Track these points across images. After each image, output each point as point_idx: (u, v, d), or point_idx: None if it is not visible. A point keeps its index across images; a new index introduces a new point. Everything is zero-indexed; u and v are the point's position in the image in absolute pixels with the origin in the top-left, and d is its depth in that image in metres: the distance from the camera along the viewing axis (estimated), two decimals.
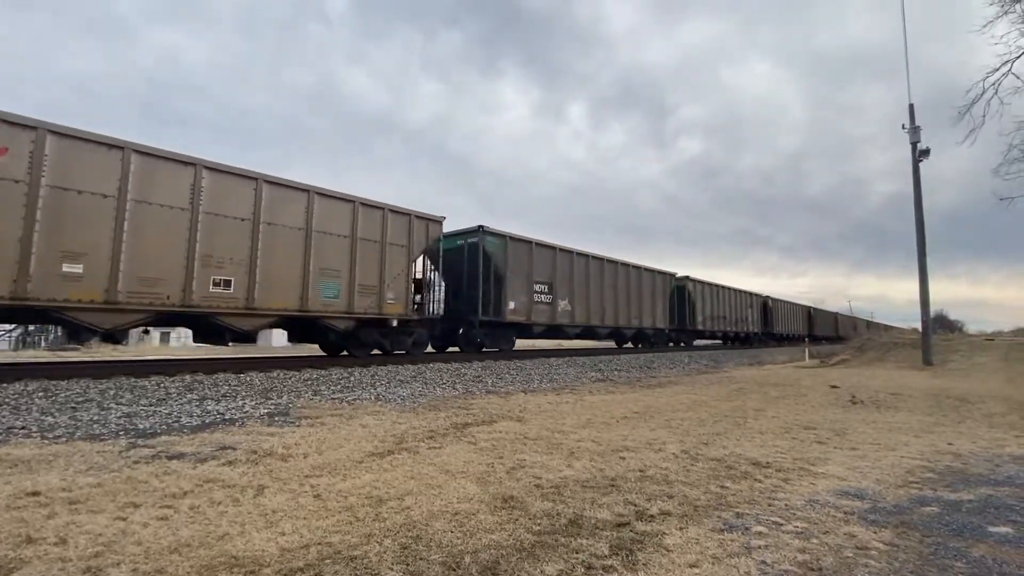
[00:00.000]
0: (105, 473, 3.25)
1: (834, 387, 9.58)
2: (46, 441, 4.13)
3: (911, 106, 16.18)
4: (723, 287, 25.61)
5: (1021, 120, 13.56)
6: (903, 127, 16.26)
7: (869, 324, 60.78)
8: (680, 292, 22.86)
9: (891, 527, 2.65)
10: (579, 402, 7.15)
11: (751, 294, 28.81)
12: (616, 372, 12.46)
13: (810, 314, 39.42)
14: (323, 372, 8.84)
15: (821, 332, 40.95)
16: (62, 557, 2.08)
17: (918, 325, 17.80)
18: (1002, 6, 13.13)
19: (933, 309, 17.60)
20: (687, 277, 22.92)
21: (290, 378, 8.08)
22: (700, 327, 23.80)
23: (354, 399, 6.87)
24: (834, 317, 46.75)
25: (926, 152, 15.99)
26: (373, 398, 7.03)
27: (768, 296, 31.63)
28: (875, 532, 2.57)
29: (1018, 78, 13.51)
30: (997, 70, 13.75)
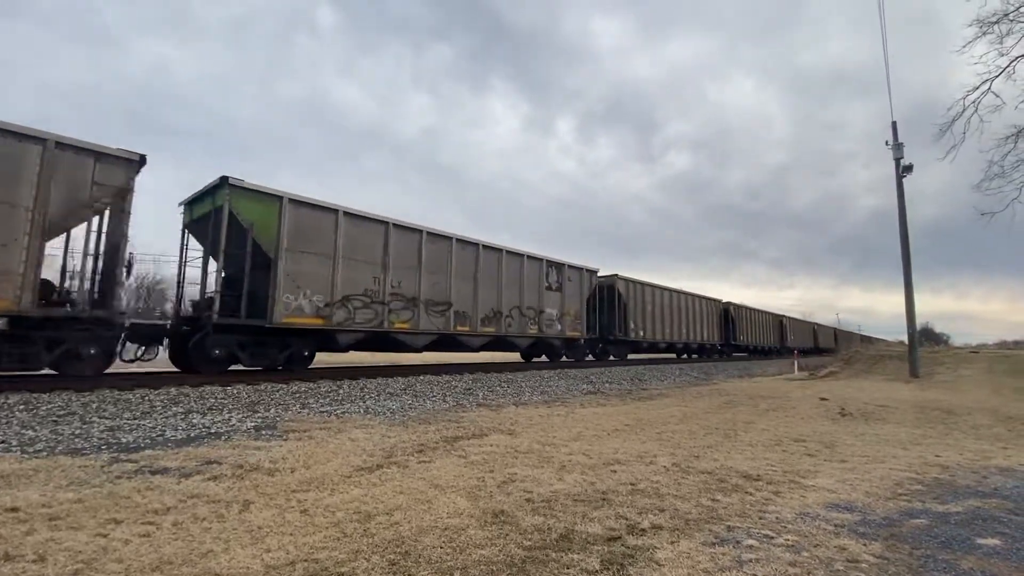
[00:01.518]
0: (86, 488, 3.17)
1: (823, 399, 9.64)
2: (26, 456, 4.03)
3: (894, 123, 16.55)
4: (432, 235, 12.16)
5: (1001, 137, 13.92)
6: (887, 143, 16.62)
7: (838, 335, 53.79)
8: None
9: (881, 540, 2.66)
10: (570, 415, 7.12)
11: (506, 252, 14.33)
12: (607, 385, 12.45)
13: (728, 313, 29.16)
14: (312, 385, 8.75)
15: (747, 340, 30.82)
16: (41, 575, 2.02)
17: (904, 338, 18.04)
18: (980, 27, 13.53)
19: (919, 322, 17.82)
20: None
21: (278, 391, 7.98)
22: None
23: (343, 412, 6.80)
24: (779, 321, 38.21)
25: (909, 168, 16.33)
26: (362, 411, 6.96)
27: (548, 258, 15.95)
28: (865, 545, 2.58)
29: (997, 96, 13.89)
30: (977, 88, 14.12)
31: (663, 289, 22.49)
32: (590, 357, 18.82)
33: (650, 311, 21.14)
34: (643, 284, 20.91)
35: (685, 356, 25.91)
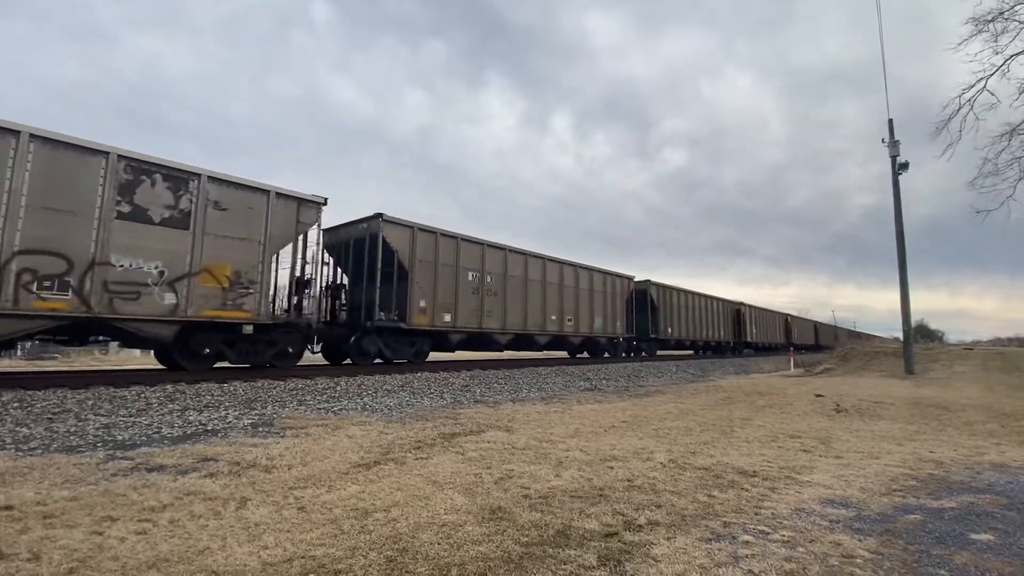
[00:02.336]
0: (82, 486, 3.16)
1: (819, 396, 9.68)
2: (20, 453, 4.01)
3: (890, 121, 16.61)
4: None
5: (995, 135, 13.98)
6: (883, 141, 16.69)
7: (820, 329, 46.88)
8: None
9: (876, 535, 2.68)
10: (567, 411, 7.14)
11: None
12: (604, 381, 12.48)
13: (647, 295, 21.05)
14: (309, 382, 8.73)
15: (674, 332, 22.31)
16: (35, 574, 2.01)
17: (899, 334, 18.12)
18: (976, 25, 13.58)
19: (914, 319, 17.93)
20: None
21: (274, 388, 7.97)
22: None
23: (340, 409, 6.79)
24: (735, 310, 29.41)
25: (905, 165, 16.40)
26: (359, 408, 6.95)
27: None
28: (860, 540, 2.59)
29: (992, 94, 13.95)
30: (972, 87, 14.19)
31: (471, 242, 13.10)
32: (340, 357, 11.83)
33: (450, 277, 12.38)
34: (435, 233, 12.15)
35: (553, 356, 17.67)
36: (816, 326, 47.21)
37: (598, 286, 18.00)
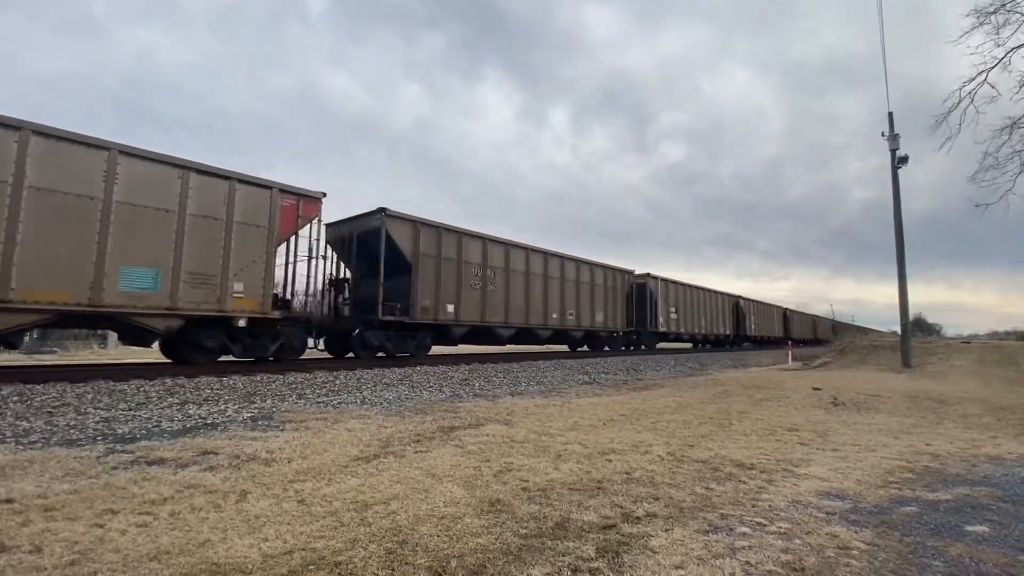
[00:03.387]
0: (82, 479, 3.17)
1: (816, 389, 9.72)
2: (21, 447, 4.02)
3: (890, 114, 16.56)
4: None
5: (996, 129, 13.95)
6: (883, 134, 16.64)
7: (791, 318, 39.06)
8: None
9: (871, 527, 2.70)
10: (566, 405, 7.16)
11: None
12: (603, 375, 12.50)
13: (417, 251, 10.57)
14: (308, 376, 8.75)
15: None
16: (37, 566, 2.02)
17: (897, 328, 18.18)
18: (978, 17, 13.51)
19: (911, 313, 17.96)
20: None
21: (274, 382, 7.98)
22: None
23: (339, 403, 6.80)
24: (635, 288, 20.42)
25: (904, 159, 16.37)
26: (359, 402, 6.97)
27: None
28: (856, 532, 2.61)
29: (993, 87, 13.90)
30: (973, 79, 14.13)
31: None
32: None
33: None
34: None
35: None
36: (786, 314, 38.19)
37: (230, 210, 8.90)
